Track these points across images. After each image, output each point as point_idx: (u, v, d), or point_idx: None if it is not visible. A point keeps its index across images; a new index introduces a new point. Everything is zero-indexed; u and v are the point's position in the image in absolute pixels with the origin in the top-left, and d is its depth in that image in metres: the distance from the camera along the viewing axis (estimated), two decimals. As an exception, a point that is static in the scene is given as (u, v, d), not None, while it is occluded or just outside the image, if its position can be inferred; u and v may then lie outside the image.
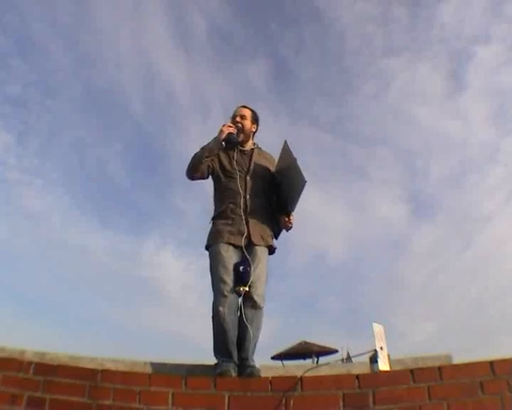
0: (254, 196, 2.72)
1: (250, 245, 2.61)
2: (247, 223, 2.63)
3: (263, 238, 2.66)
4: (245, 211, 2.65)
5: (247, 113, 2.92)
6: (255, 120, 2.95)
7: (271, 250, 2.77)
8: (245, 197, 2.68)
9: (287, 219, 2.75)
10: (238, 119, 2.88)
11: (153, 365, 2.58)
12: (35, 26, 19.02)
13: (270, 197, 2.83)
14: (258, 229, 2.66)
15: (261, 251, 2.64)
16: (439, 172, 21.43)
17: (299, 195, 2.60)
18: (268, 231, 2.73)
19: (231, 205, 2.68)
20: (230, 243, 2.58)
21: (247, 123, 2.88)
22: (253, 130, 2.95)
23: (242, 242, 2.58)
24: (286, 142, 2.76)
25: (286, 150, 2.76)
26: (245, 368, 2.36)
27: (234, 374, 2.31)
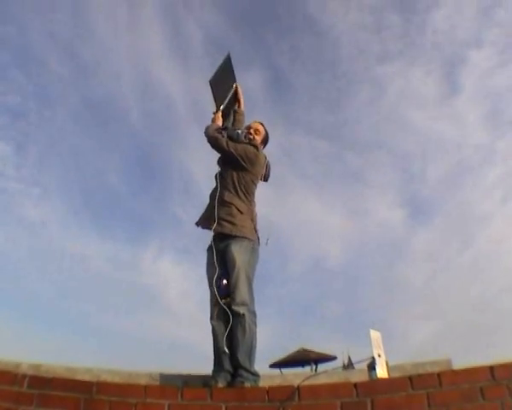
0: (223, 188, 2.77)
1: (222, 245, 2.62)
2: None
3: (218, 225, 2.63)
4: (218, 205, 2.70)
5: (262, 130, 3.04)
6: (265, 140, 3.07)
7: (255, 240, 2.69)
8: (219, 191, 2.76)
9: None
10: (252, 131, 2.98)
11: (149, 375, 2.54)
12: (33, 38, 19.11)
13: (240, 186, 2.78)
14: (213, 216, 2.66)
15: (231, 252, 2.56)
16: (436, 174, 21.55)
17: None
18: (232, 220, 2.64)
19: (212, 201, 2.78)
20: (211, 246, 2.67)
21: (258, 139, 2.99)
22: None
23: (212, 234, 2.66)
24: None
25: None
26: (236, 377, 2.34)
27: (221, 384, 2.29)
